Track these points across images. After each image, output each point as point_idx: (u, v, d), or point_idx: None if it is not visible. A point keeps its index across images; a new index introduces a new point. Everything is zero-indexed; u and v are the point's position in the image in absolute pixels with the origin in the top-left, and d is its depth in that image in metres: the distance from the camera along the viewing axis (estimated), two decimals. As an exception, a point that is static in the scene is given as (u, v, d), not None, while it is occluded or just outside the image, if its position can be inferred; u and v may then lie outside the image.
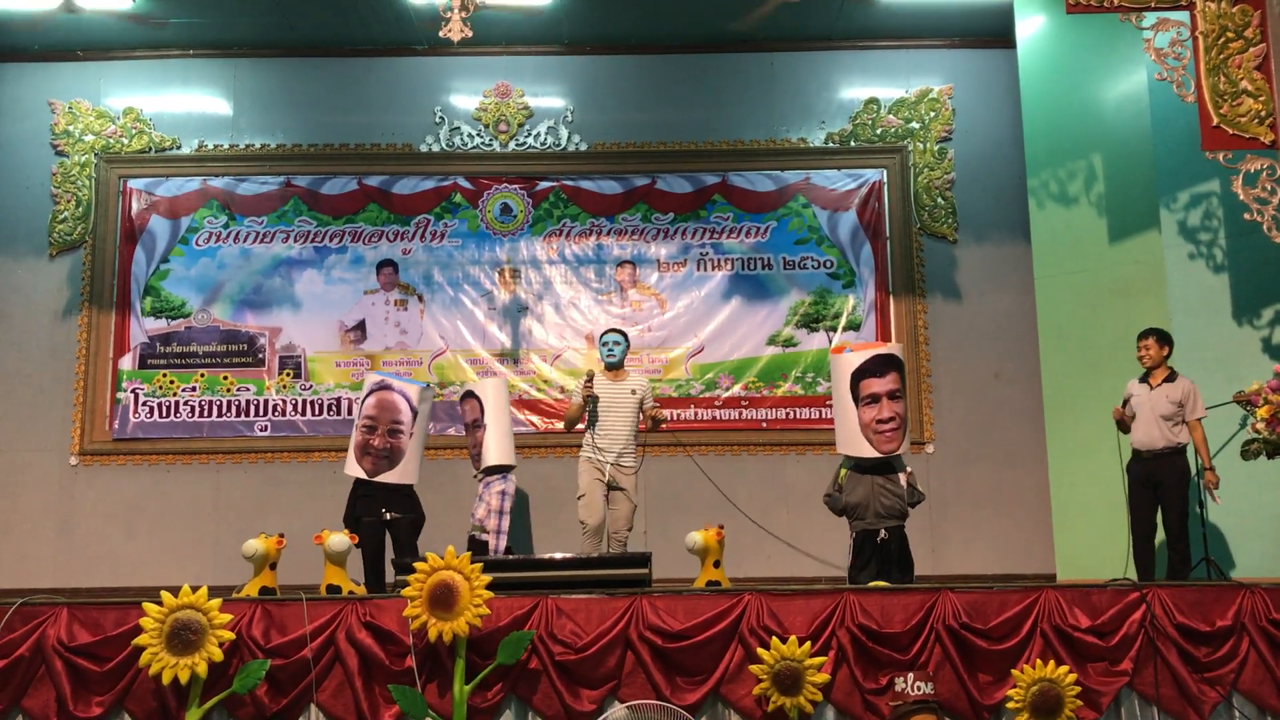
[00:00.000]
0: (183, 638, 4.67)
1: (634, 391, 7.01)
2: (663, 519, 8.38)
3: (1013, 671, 4.85)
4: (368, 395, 6.97)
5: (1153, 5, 6.73)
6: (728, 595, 5.07)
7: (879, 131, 9.17)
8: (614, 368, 7.10)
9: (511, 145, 9.21)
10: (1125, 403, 6.76)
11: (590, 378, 6.97)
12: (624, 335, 7.24)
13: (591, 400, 6.93)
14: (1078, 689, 4.81)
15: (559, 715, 4.85)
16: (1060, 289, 8.14)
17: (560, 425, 8.08)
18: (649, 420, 7.04)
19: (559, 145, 9.20)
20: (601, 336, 7.26)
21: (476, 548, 7.01)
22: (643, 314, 9.05)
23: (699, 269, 9.10)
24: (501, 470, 7.28)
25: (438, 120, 9.21)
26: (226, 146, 9.15)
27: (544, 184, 9.20)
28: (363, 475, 6.81)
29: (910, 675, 4.77)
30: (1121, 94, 7.95)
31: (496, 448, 7.29)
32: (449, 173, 9.18)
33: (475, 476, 7.42)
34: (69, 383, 8.85)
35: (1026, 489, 8.56)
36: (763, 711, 4.82)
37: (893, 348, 6.54)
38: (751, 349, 8.97)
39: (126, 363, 8.90)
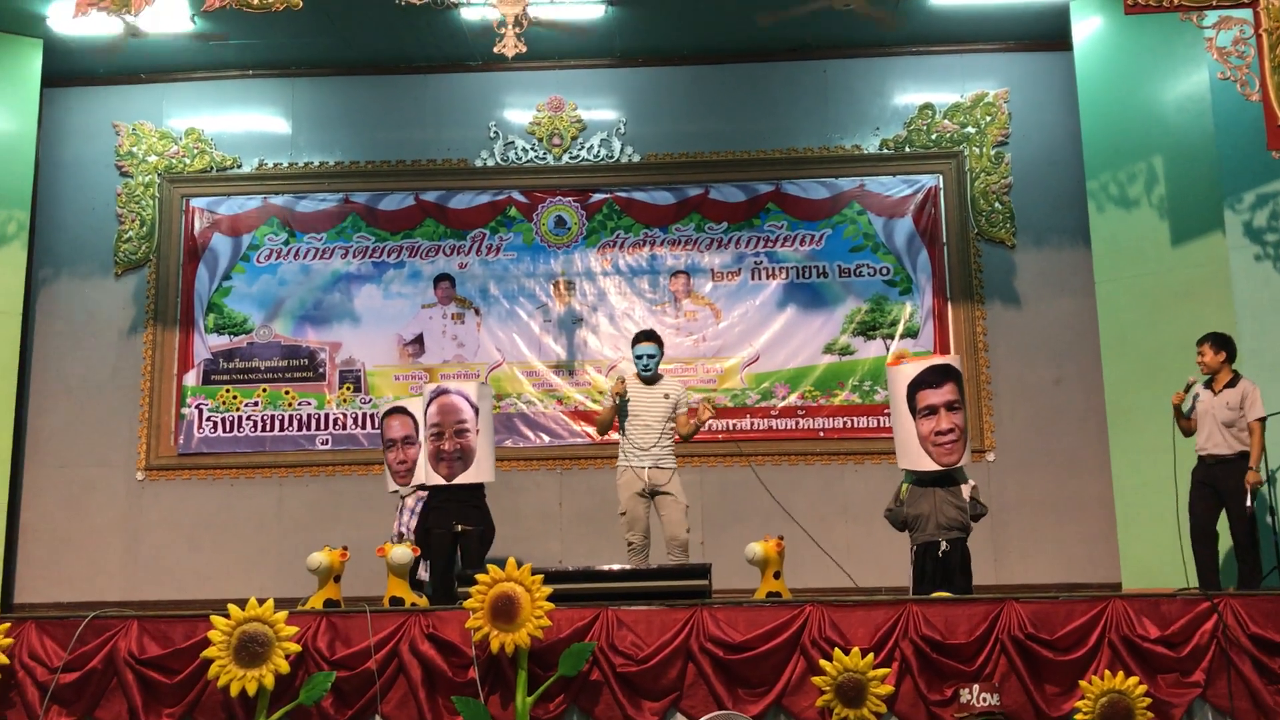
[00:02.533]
0: (250, 650, 4.74)
1: (667, 395, 6.87)
2: (721, 530, 8.35)
3: (1080, 683, 4.78)
4: (428, 405, 7.03)
5: (1214, 4, 6.62)
6: (789, 606, 5.05)
7: (934, 137, 9.10)
8: (650, 382, 6.94)
9: (565, 158, 9.26)
10: (1188, 388, 6.64)
11: (623, 379, 6.86)
12: (658, 344, 6.99)
13: (621, 399, 6.77)
14: (1148, 700, 4.72)
15: (620, 727, 4.86)
16: (1122, 293, 8.03)
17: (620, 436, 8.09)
18: (681, 432, 6.84)
19: (612, 157, 9.23)
20: (634, 348, 6.98)
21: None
22: (697, 324, 9.05)
23: (753, 278, 9.08)
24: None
25: (492, 135, 9.29)
26: (286, 165, 9.30)
27: (597, 196, 9.24)
28: (442, 481, 6.85)
29: (975, 686, 4.71)
30: (1182, 94, 7.83)
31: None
32: (504, 187, 9.25)
33: (396, 493, 7.32)
34: (135, 399, 9.02)
35: (1090, 497, 8.43)
36: (826, 723, 4.79)
37: (950, 358, 6.45)
38: (807, 358, 8.93)
39: (191, 379, 9.06)
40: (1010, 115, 9.09)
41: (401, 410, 7.40)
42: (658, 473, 6.76)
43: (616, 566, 5.93)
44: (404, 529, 7.14)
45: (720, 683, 4.86)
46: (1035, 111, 9.08)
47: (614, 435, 7.16)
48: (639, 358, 6.93)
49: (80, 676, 4.95)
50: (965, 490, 6.07)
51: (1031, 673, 4.86)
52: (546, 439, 8.92)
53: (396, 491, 7.37)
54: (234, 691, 4.72)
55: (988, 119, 9.08)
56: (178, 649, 4.95)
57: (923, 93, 9.18)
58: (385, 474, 7.50)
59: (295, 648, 4.81)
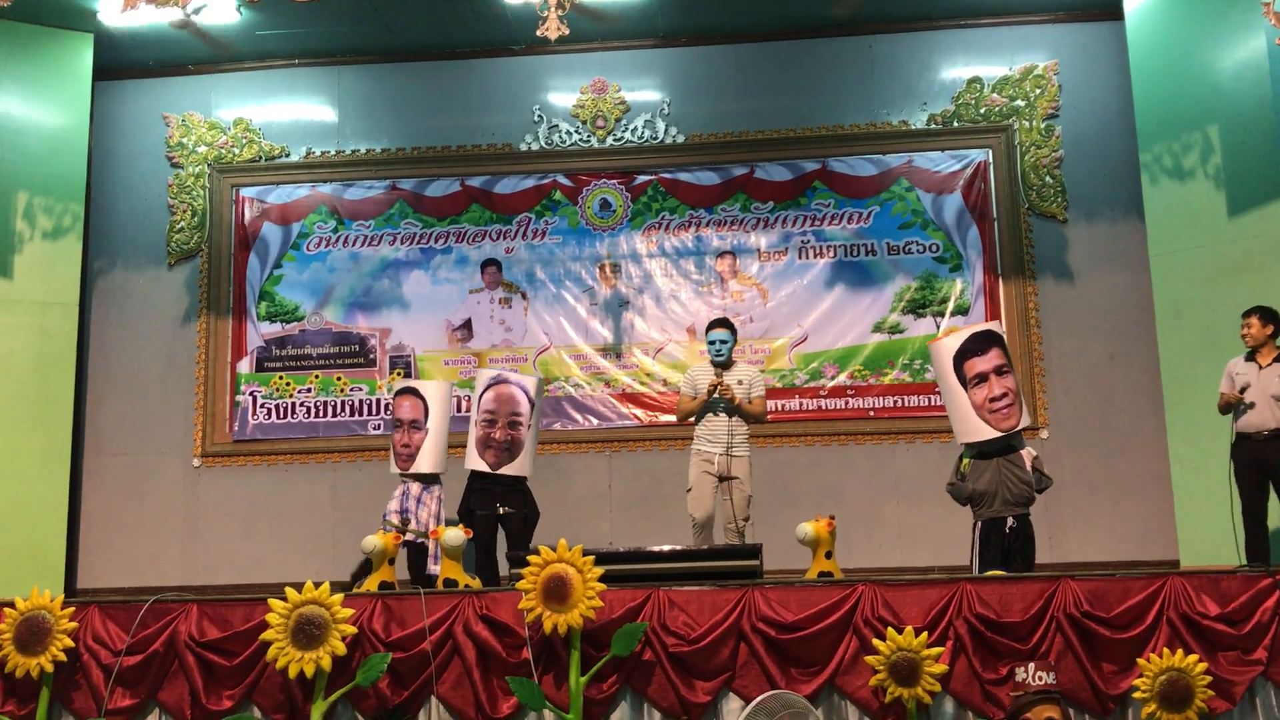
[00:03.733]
0: (307, 632, 4.78)
1: (740, 381, 6.88)
2: (771, 510, 8.33)
3: (1139, 661, 4.71)
4: (485, 390, 7.08)
5: (1271, -33, 6.48)
6: (841, 586, 5.02)
7: (983, 111, 8.98)
8: (724, 368, 6.91)
9: (609, 140, 9.24)
10: (1231, 380, 6.49)
11: (717, 377, 6.81)
12: (731, 330, 6.97)
13: (718, 398, 6.77)
14: (1208, 679, 4.64)
15: (674, 707, 4.85)
16: (1177, 266, 7.90)
17: (669, 418, 8.10)
18: (749, 415, 6.81)
19: (656, 138, 9.21)
20: (707, 334, 6.99)
21: (415, 551, 6.96)
22: (744, 304, 9.01)
23: (800, 257, 9.02)
24: (436, 478, 7.23)
25: (536, 119, 9.29)
26: (333, 153, 9.37)
27: (642, 178, 9.22)
28: (485, 468, 6.91)
29: (1031, 665, 4.65)
30: (1238, 61, 7.67)
31: (437, 454, 7.18)
32: (548, 170, 9.26)
33: (401, 475, 7.23)
34: (190, 387, 9.16)
35: (1146, 473, 8.31)
36: (880, 703, 4.76)
37: (990, 324, 6.44)
38: (856, 337, 8.87)
39: (244, 366, 9.19)
40: (1060, 87, 8.94)
41: (413, 392, 7.32)
42: (729, 460, 6.75)
43: (667, 547, 5.93)
44: (410, 515, 7.05)
45: (773, 662, 4.85)
46: (1086, 83, 8.92)
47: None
48: (711, 343, 6.92)
49: (143, 659, 5.04)
50: (1027, 460, 6.00)
51: (1088, 651, 4.80)
52: (595, 422, 8.95)
53: (402, 478, 7.26)
54: (292, 673, 4.77)
55: (1037, 91, 8.94)
56: (236, 632, 5.02)
57: (970, 66, 9.05)
58: (390, 456, 7.39)
59: (351, 630, 4.86)
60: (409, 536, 6.92)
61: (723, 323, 7.01)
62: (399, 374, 9.05)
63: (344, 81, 9.46)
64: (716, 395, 6.74)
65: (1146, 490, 8.29)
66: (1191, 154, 7.86)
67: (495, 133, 9.31)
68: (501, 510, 6.85)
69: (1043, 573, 5.39)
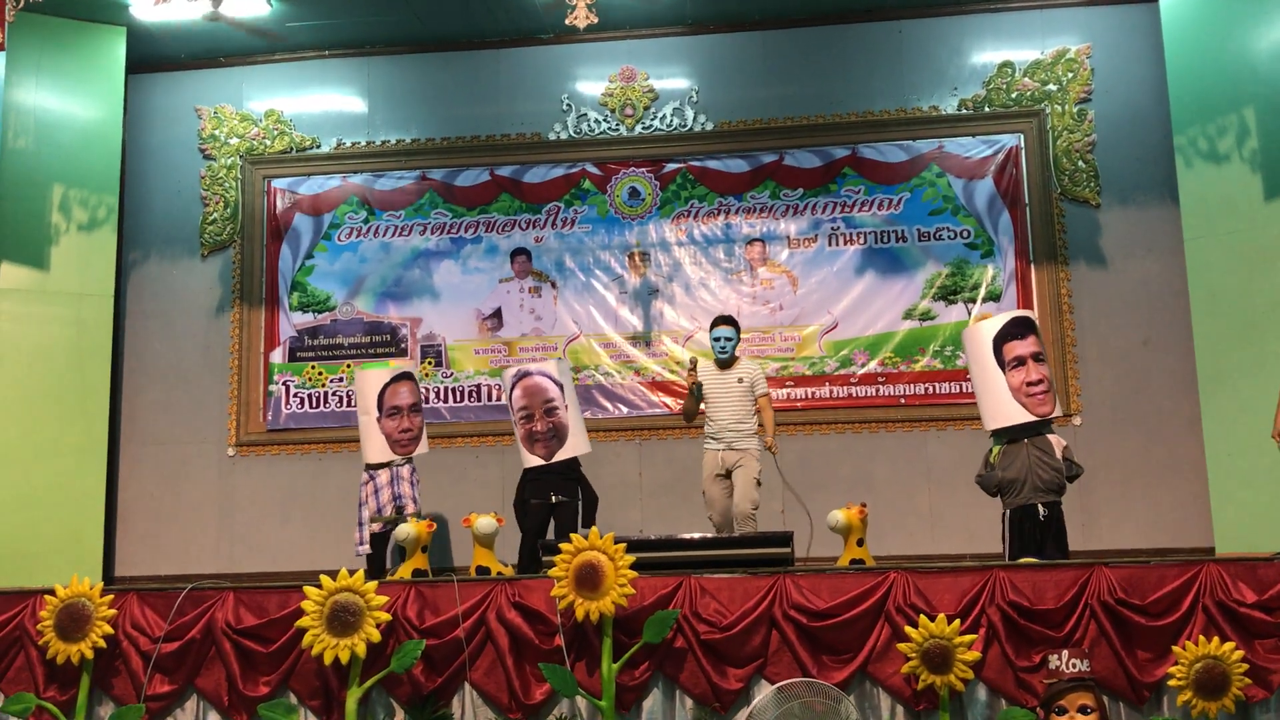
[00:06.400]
0: (342, 619, 4.83)
1: (740, 380, 6.95)
2: (803, 498, 8.30)
3: (1174, 649, 4.68)
4: (512, 389, 7.14)
5: (1308, -53, 6.38)
6: (873, 573, 5.02)
7: (1014, 95, 8.90)
8: (726, 365, 7.04)
9: (638, 129, 9.23)
10: None
11: (694, 365, 6.93)
12: (735, 327, 7.11)
13: (696, 387, 6.91)
14: (1245, 666, 4.61)
15: (706, 693, 4.87)
16: (1212, 251, 7.81)
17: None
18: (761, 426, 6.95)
19: (685, 126, 9.19)
20: (711, 331, 7.15)
21: (380, 539, 7.04)
22: (774, 292, 8.99)
23: (830, 244, 8.99)
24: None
25: (565, 108, 9.29)
26: (364, 144, 9.41)
27: (671, 166, 9.21)
28: (541, 462, 6.95)
29: (1065, 653, 4.62)
30: (1275, 43, 7.57)
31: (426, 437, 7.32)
32: (577, 159, 9.27)
33: (387, 463, 7.16)
34: (224, 377, 9.24)
35: (1180, 460, 8.24)
36: (912, 690, 4.76)
37: (1027, 311, 6.45)
38: (887, 324, 8.83)
39: (277, 356, 9.26)
40: (1093, 71, 8.84)
41: (409, 376, 7.42)
42: (732, 454, 6.85)
43: (698, 535, 5.95)
44: (405, 499, 7.05)
45: (805, 650, 4.85)
46: (1119, 66, 8.83)
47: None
48: (715, 340, 7.06)
49: (180, 646, 5.10)
50: (1057, 449, 5.97)
51: (1122, 638, 4.78)
52: (625, 410, 8.96)
53: (389, 463, 7.17)
54: (327, 660, 4.82)
55: (1070, 75, 8.85)
56: (272, 619, 5.07)
57: (1002, 50, 8.97)
58: (373, 444, 7.24)
59: (385, 617, 4.90)
60: (409, 514, 6.88)
61: (727, 320, 7.15)
62: (431, 363, 9.09)
63: (374, 72, 9.50)
64: (698, 387, 6.95)
65: (1181, 477, 8.22)
66: (1227, 137, 7.77)
67: (524, 122, 9.32)
68: (554, 499, 6.90)
69: (1076, 560, 5.37)
